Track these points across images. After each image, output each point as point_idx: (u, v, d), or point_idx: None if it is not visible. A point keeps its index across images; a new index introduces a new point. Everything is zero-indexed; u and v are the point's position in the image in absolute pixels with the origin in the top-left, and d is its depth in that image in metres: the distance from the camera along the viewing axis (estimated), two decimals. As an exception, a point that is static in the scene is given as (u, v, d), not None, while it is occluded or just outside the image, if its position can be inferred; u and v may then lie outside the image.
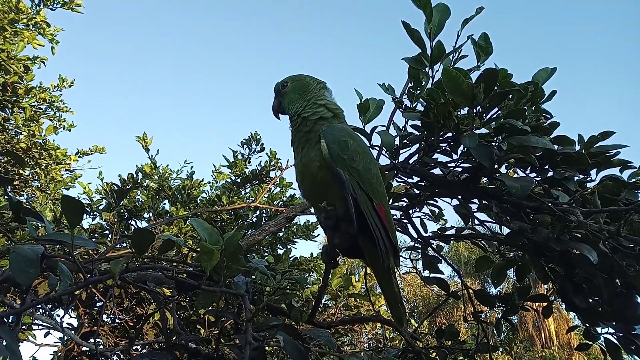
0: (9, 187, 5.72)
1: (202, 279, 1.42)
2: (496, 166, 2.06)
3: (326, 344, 1.84)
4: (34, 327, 5.12)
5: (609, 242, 1.84)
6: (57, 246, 3.83)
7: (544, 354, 23.48)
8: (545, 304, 2.43)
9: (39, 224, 1.94)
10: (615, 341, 2.07)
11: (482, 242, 2.55)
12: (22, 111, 5.85)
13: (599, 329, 2.13)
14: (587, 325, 2.13)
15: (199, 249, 1.35)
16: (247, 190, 6.34)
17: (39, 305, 4.91)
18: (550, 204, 1.90)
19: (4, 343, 1.20)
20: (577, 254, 1.98)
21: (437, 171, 2.27)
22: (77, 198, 1.35)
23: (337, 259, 1.70)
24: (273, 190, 6.20)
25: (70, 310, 5.11)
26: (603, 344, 2.14)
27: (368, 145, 2.22)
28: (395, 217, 2.54)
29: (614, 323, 2.05)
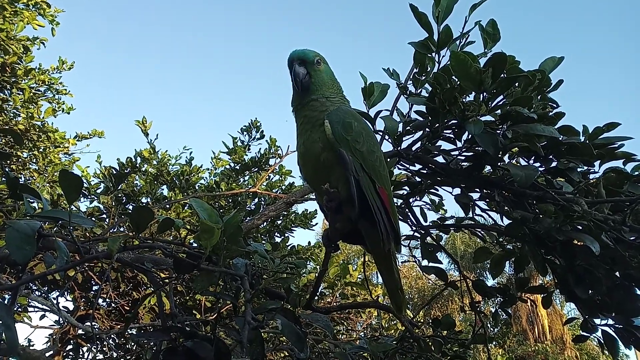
0: (7, 168, 5.69)
1: (201, 259, 1.40)
2: (500, 155, 2.03)
3: (324, 329, 1.83)
4: (30, 309, 5.12)
5: (611, 233, 1.82)
6: (55, 229, 3.81)
7: (537, 348, 23.65)
8: (542, 295, 2.43)
9: (36, 204, 1.92)
10: (613, 333, 2.07)
11: (482, 232, 2.54)
12: (21, 92, 5.80)
13: (597, 321, 2.12)
14: (587, 316, 2.12)
15: (197, 230, 1.33)
16: (246, 178, 6.32)
17: (36, 287, 4.90)
18: (554, 193, 1.88)
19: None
20: (579, 245, 1.96)
21: (440, 159, 2.25)
22: (75, 173, 1.32)
23: (338, 243, 1.68)
24: (272, 178, 6.18)
25: (66, 294, 5.11)
26: (600, 336, 2.13)
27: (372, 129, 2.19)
28: (395, 205, 2.52)
29: (614, 314, 2.04)
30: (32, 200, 1.65)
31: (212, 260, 1.50)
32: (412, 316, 4.80)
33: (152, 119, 6.01)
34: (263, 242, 5.77)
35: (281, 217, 5.87)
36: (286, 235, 5.99)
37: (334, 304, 5.04)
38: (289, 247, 5.69)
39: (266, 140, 6.24)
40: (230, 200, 5.90)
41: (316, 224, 6.18)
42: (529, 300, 2.64)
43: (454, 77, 1.82)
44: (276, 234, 6.02)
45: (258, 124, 6.31)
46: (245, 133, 6.32)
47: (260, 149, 6.29)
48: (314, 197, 1.88)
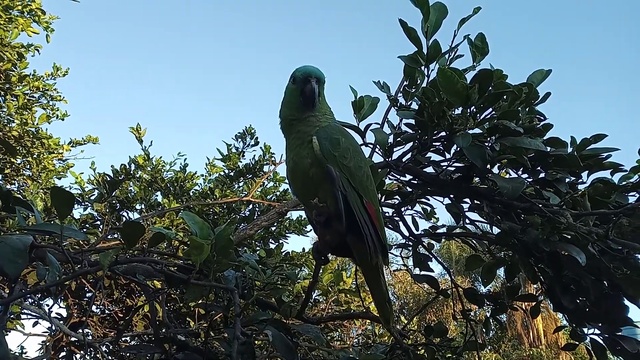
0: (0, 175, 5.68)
1: (191, 272, 1.42)
2: (488, 166, 2.07)
3: (315, 340, 1.85)
4: (23, 316, 5.10)
5: (597, 245, 1.85)
6: (48, 236, 3.81)
7: (531, 352, 23.70)
8: (533, 303, 2.46)
9: (29, 214, 1.93)
10: (601, 342, 2.09)
11: (473, 241, 2.57)
12: (15, 99, 5.80)
13: (585, 330, 2.15)
14: (574, 325, 2.15)
15: (189, 242, 1.35)
16: (241, 184, 6.33)
17: (28, 295, 4.89)
18: (540, 206, 1.92)
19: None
20: (566, 255, 1.99)
21: (430, 170, 2.28)
22: (67, 189, 1.34)
23: (328, 255, 1.70)
24: (266, 185, 6.19)
25: (59, 301, 5.09)
26: (589, 344, 2.16)
27: (361, 142, 2.22)
28: (387, 214, 2.55)
29: (600, 324, 2.07)
30: (25, 212, 1.67)
31: (203, 273, 1.52)
32: (405, 322, 4.82)
33: (146, 126, 6.01)
34: (257, 248, 5.77)
35: (275, 224, 5.88)
36: (280, 241, 5.99)
37: (329, 310, 5.05)
38: (283, 254, 5.69)
39: (260, 147, 6.26)
40: (224, 207, 5.91)
41: (310, 230, 6.18)
42: (520, 308, 2.67)
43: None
44: (270, 240, 6.02)
45: (252, 131, 6.32)
46: (239, 140, 6.33)
47: (254, 155, 6.31)
48: (304, 209, 1.90)
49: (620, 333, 2.04)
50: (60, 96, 6.30)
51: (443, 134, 2.02)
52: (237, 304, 1.39)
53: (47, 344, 5.14)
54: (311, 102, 1.66)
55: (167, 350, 1.70)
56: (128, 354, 4.96)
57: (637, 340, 1.97)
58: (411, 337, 2.93)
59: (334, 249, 1.70)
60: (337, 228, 1.51)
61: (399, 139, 2.19)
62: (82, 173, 5.76)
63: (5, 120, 5.83)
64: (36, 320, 5.08)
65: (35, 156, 6.01)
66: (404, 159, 2.22)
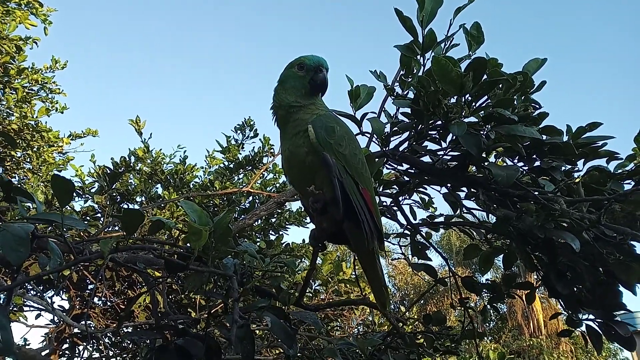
0: (0, 168, 5.70)
1: (190, 259, 1.44)
2: (484, 155, 2.08)
3: (313, 326, 1.88)
4: (25, 308, 5.15)
5: (591, 231, 1.88)
6: (49, 228, 3.84)
7: (532, 342, 23.85)
8: (527, 292, 2.48)
9: (30, 205, 1.95)
10: (596, 327, 2.12)
11: (471, 229, 2.59)
12: (14, 92, 5.81)
13: (580, 316, 2.17)
14: (570, 312, 2.17)
15: (188, 228, 1.37)
16: (240, 176, 6.36)
17: (31, 287, 4.93)
18: (535, 193, 1.93)
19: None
20: (561, 242, 2.01)
21: (426, 159, 2.30)
22: (67, 178, 1.36)
23: (325, 242, 1.72)
24: (266, 176, 6.21)
25: (61, 292, 5.14)
26: (585, 330, 2.18)
27: (358, 131, 2.24)
28: (385, 204, 2.57)
29: (595, 310, 2.10)
30: (26, 203, 1.69)
31: (202, 260, 1.54)
32: (404, 311, 4.87)
33: (145, 118, 6.02)
34: (258, 240, 5.81)
35: (275, 215, 5.91)
36: (280, 233, 6.03)
37: (329, 300, 5.10)
38: (283, 245, 5.72)
39: (260, 139, 6.28)
40: (224, 198, 5.93)
41: (310, 221, 6.20)
42: (517, 297, 2.70)
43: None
44: (271, 232, 6.05)
45: (251, 123, 6.34)
46: (238, 132, 6.35)
47: (254, 147, 6.33)
48: (299, 198, 1.92)
49: (615, 319, 2.07)
50: (59, 89, 6.31)
51: (439, 122, 2.04)
52: (235, 289, 1.41)
53: (50, 335, 5.20)
54: (324, 90, 1.75)
55: (167, 337, 1.73)
56: (130, 345, 5.01)
57: (629, 324, 2.00)
58: (410, 325, 2.96)
59: (330, 236, 1.73)
60: (334, 214, 1.53)
61: (395, 128, 2.20)
62: (82, 166, 5.80)
63: (5, 114, 5.84)
64: (39, 312, 5.15)
65: (35, 149, 6.03)
66: (400, 148, 2.24)
